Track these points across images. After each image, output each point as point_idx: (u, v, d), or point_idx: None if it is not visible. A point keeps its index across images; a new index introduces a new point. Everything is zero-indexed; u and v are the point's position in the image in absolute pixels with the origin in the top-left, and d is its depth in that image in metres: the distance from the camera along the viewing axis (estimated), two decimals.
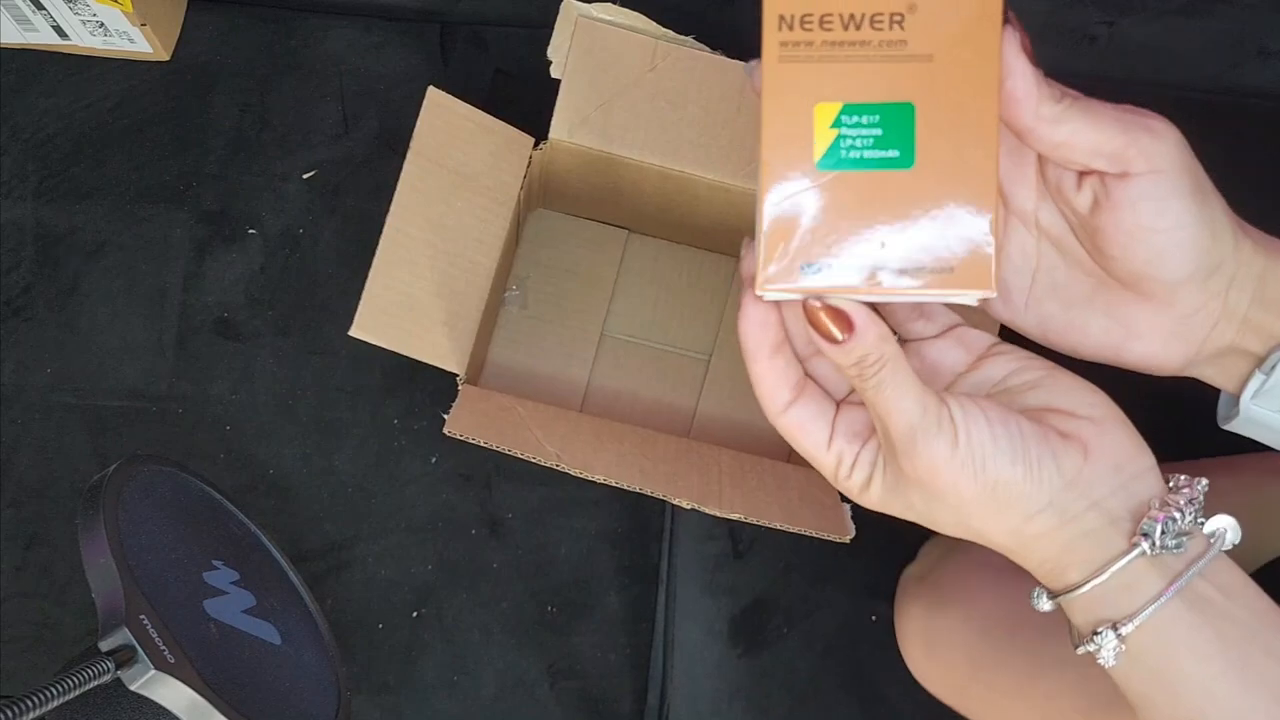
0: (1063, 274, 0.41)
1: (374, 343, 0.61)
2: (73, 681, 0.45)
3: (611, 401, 0.78)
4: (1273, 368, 0.39)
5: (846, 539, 0.63)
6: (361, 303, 0.60)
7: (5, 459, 0.78)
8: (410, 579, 0.79)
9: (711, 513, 0.61)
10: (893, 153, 0.37)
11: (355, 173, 0.82)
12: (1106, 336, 0.40)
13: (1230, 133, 0.88)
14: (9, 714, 0.42)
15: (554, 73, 0.63)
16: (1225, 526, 0.38)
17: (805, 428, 0.40)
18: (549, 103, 0.64)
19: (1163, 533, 0.37)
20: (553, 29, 0.63)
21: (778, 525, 0.62)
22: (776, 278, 0.38)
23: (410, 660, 0.78)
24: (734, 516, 0.61)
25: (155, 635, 0.49)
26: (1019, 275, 0.41)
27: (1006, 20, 0.37)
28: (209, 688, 0.49)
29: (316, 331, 0.80)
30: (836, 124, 0.37)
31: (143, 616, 0.49)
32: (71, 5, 0.74)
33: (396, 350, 0.61)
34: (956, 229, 0.37)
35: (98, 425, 0.79)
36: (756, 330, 0.39)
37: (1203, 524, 0.38)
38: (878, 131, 0.37)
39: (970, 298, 0.38)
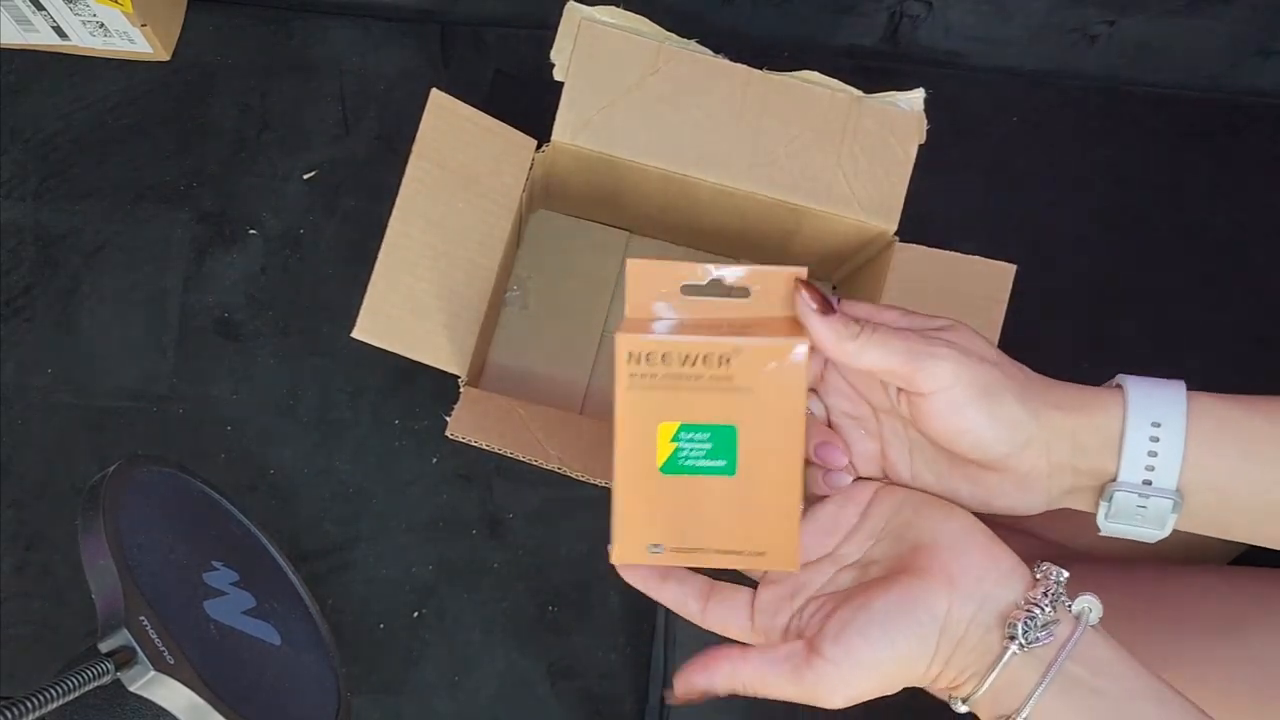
0: (930, 452, 0.47)
1: (376, 344, 0.61)
2: (73, 682, 0.45)
3: (612, 403, 0.78)
4: (1111, 496, 0.45)
5: None
6: (364, 304, 0.60)
7: (5, 459, 0.78)
8: (411, 579, 0.79)
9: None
10: (720, 462, 0.46)
11: (355, 173, 0.82)
12: (973, 497, 0.47)
13: (1230, 133, 0.88)
14: (9, 714, 0.42)
15: (557, 75, 0.63)
16: (1089, 606, 0.43)
17: (726, 624, 0.47)
18: (549, 103, 0.64)
19: (1025, 629, 0.42)
20: (552, 30, 0.63)
21: None
22: (626, 555, 0.48)
23: (411, 660, 0.78)
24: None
25: (155, 636, 0.49)
26: (900, 454, 0.48)
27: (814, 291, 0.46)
28: (208, 689, 0.49)
29: (317, 332, 0.80)
30: (676, 438, 0.46)
31: (142, 617, 0.49)
32: (71, 6, 0.74)
33: (398, 352, 0.61)
34: (767, 523, 0.46)
35: (98, 425, 0.79)
36: (639, 580, 0.49)
37: (1070, 605, 0.43)
38: (708, 446, 0.46)
39: (779, 570, 0.47)
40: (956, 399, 0.44)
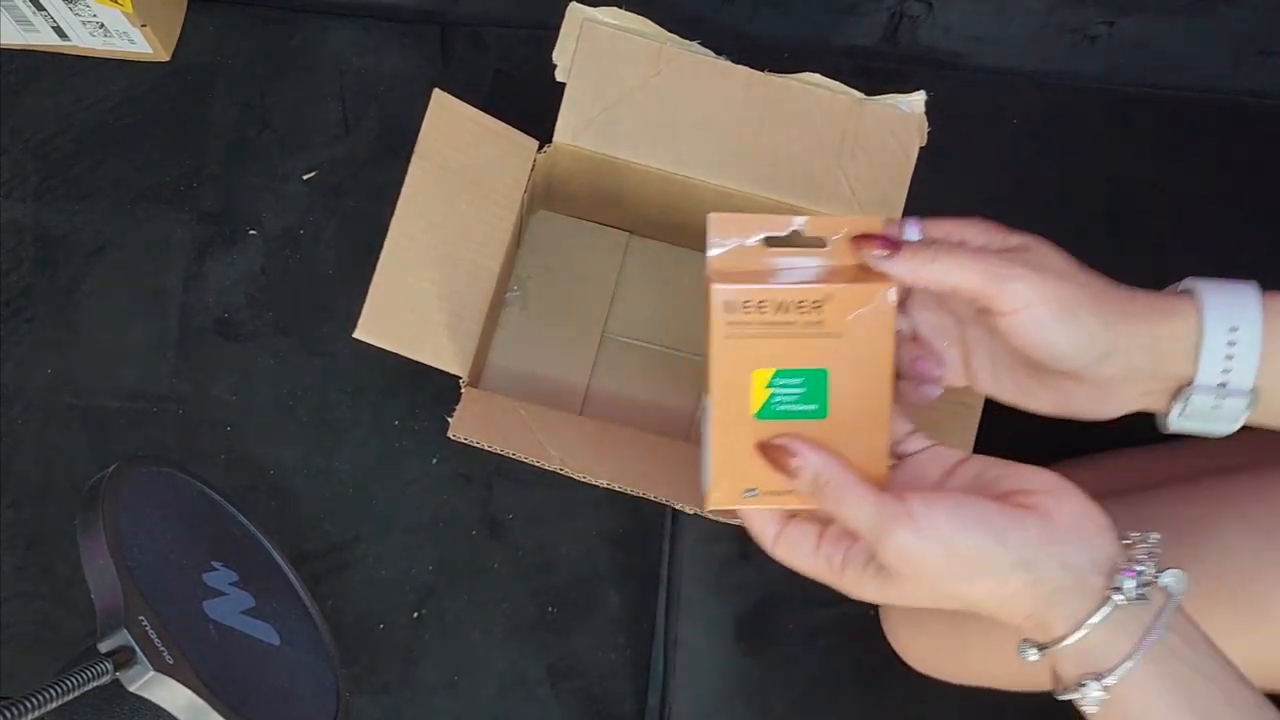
0: (1011, 360, 0.49)
1: (378, 345, 0.61)
2: (72, 682, 0.45)
3: (611, 403, 0.78)
4: (1187, 399, 0.47)
5: None
6: (366, 305, 0.60)
7: (5, 459, 0.78)
8: (411, 580, 0.79)
9: (715, 518, 0.61)
10: (812, 406, 0.47)
11: (356, 173, 0.82)
12: (1053, 402, 0.49)
13: (1230, 133, 0.88)
14: (9, 714, 0.42)
15: (559, 76, 0.63)
16: (1178, 578, 0.44)
17: (794, 547, 0.47)
18: (548, 103, 0.64)
19: (1135, 585, 0.42)
20: (552, 30, 0.63)
21: None
22: (722, 501, 0.48)
23: (411, 661, 0.78)
24: (736, 522, 0.61)
25: (154, 636, 0.48)
26: (982, 361, 0.51)
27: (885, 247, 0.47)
28: (207, 689, 0.49)
29: (317, 332, 0.80)
30: (770, 384, 0.47)
31: (142, 617, 0.49)
32: (72, 6, 0.74)
33: (400, 353, 0.61)
34: (856, 464, 0.46)
35: (98, 425, 0.79)
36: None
37: (1157, 577, 0.43)
38: (801, 391, 0.47)
39: None
40: (1036, 317, 0.45)
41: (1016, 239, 0.48)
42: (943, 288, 0.46)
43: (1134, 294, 0.48)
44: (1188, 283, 0.48)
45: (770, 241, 0.48)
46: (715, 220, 0.48)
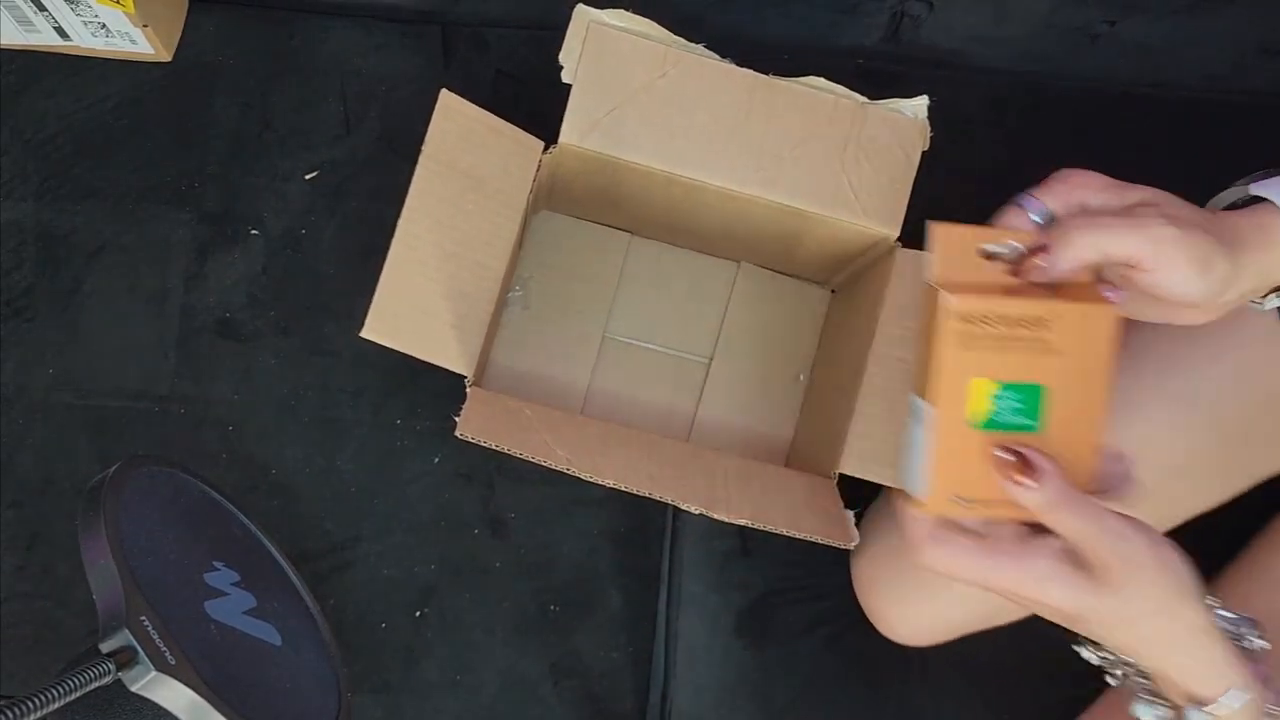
0: (1129, 285, 0.50)
1: (384, 344, 0.61)
2: (74, 683, 0.45)
3: (612, 403, 0.78)
4: None
5: (850, 545, 0.63)
6: (372, 305, 0.60)
7: (6, 459, 0.78)
8: (412, 578, 0.79)
9: (719, 518, 0.61)
10: (1027, 420, 0.48)
11: (357, 173, 0.82)
12: (1163, 316, 0.51)
13: (1231, 132, 0.88)
14: (11, 714, 0.42)
15: (565, 78, 0.63)
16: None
17: (952, 543, 0.48)
18: (550, 103, 0.64)
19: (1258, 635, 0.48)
20: (553, 30, 0.63)
21: (782, 531, 0.62)
22: (937, 507, 0.48)
23: (412, 659, 0.78)
24: (740, 522, 0.61)
25: (156, 636, 0.49)
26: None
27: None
28: (209, 689, 0.49)
29: (318, 332, 0.80)
30: (991, 396, 0.48)
31: (143, 618, 0.49)
32: (73, 6, 0.74)
33: (407, 352, 0.61)
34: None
35: (99, 425, 0.79)
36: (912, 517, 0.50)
37: None
38: (1020, 405, 0.48)
39: None
40: (1177, 275, 0.47)
41: (1135, 194, 0.50)
42: (1100, 262, 0.48)
43: (1237, 223, 0.50)
44: (1258, 188, 0.51)
45: (987, 255, 0.49)
46: (937, 230, 0.48)
